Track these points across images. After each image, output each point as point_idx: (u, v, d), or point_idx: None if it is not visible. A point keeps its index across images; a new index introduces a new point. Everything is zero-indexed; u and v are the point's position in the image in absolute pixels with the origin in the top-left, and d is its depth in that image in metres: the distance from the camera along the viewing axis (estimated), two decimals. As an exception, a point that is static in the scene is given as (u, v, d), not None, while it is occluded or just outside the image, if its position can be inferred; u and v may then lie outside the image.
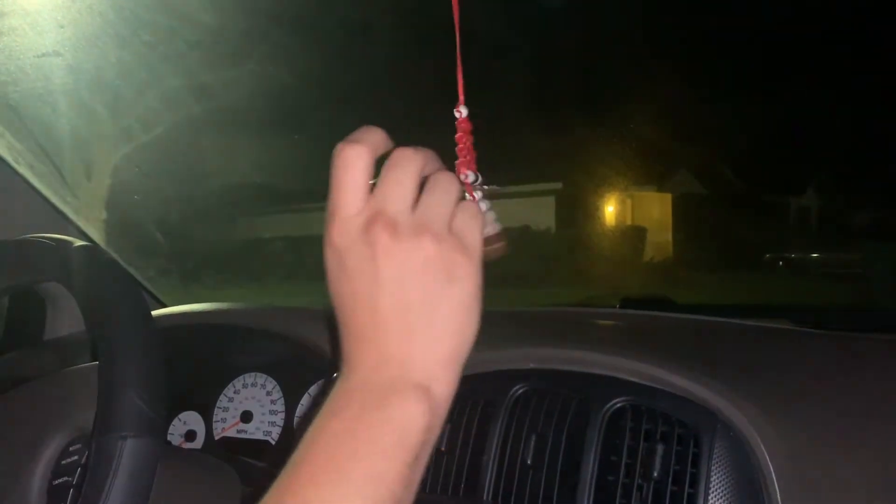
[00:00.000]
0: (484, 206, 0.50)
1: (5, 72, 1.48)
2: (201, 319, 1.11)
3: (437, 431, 0.43)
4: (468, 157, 0.50)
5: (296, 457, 0.41)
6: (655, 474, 0.63)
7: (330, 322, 0.46)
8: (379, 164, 0.45)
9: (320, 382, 0.98)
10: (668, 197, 11.14)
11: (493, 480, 0.70)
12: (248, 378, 1.05)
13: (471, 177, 0.50)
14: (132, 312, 0.68)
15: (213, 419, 1.05)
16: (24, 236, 0.76)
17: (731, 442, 0.62)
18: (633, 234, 10.08)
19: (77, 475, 0.70)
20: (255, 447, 1.01)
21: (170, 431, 1.06)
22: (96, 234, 1.31)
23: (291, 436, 0.98)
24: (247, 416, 1.03)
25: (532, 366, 0.75)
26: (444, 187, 0.45)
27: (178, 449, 1.02)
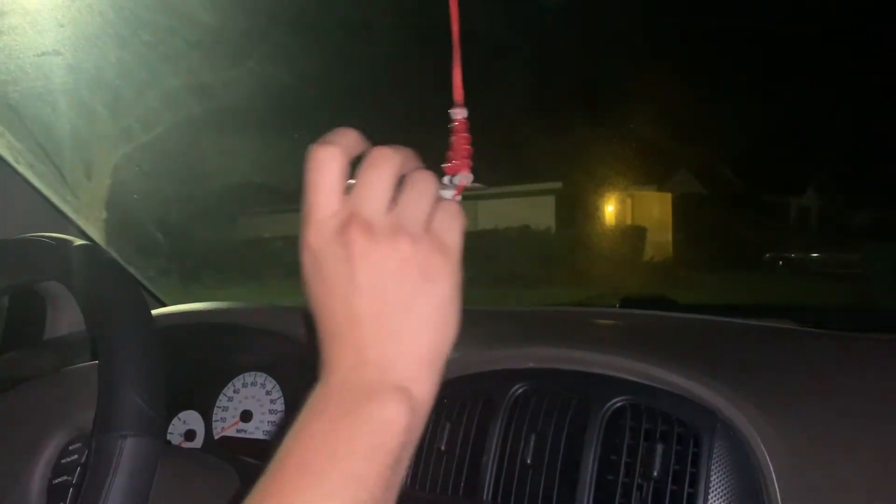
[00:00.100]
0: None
1: (5, 71, 1.48)
2: (201, 319, 1.11)
3: (418, 432, 0.43)
4: (466, 159, 0.49)
5: (276, 460, 0.41)
6: (655, 474, 0.62)
7: (308, 323, 0.46)
8: (357, 166, 0.45)
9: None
10: (668, 197, 11.14)
11: (492, 480, 0.70)
12: (248, 377, 1.05)
13: (466, 179, 0.49)
14: (132, 312, 0.68)
15: (213, 418, 1.05)
16: (24, 235, 0.76)
17: (731, 441, 0.62)
18: (633, 234, 10.08)
19: (77, 474, 0.71)
20: (255, 447, 1.01)
21: (169, 431, 1.06)
22: (96, 234, 1.31)
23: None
24: (246, 416, 1.03)
25: (532, 365, 0.75)
26: (422, 187, 0.45)
27: (178, 448, 1.02)
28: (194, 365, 1.05)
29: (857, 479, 0.60)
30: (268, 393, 1.04)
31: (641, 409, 0.66)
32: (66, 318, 1.15)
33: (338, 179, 0.43)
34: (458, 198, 0.49)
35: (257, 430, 1.02)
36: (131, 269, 1.27)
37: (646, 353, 0.72)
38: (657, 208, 11.02)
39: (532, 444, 0.69)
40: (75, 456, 0.71)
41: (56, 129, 1.59)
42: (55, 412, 0.74)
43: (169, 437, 1.05)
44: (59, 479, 0.70)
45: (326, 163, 0.43)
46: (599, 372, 0.71)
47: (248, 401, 1.04)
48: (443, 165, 0.49)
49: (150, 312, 0.70)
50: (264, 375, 1.04)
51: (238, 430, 1.04)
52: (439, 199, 0.46)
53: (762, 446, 0.62)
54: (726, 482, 0.61)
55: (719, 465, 0.61)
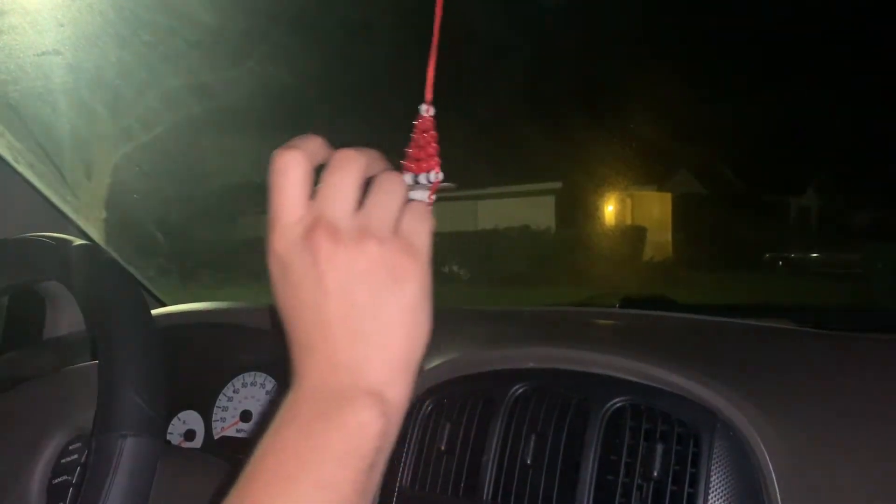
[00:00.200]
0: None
1: (5, 70, 1.48)
2: (201, 319, 1.11)
3: (392, 437, 0.43)
4: (435, 157, 0.48)
5: (249, 468, 0.41)
6: (655, 474, 0.62)
7: (278, 328, 0.45)
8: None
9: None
10: (667, 197, 11.15)
11: (492, 480, 0.70)
12: (248, 377, 1.05)
13: (438, 177, 0.48)
14: (132, 311, 0.68)
15: (213, 418, 1.05)
16: (24, 235, 0.76)
17: (731, 442, 0.62)
18: (633, 234, 10.09)
19: (77, 474, 0.71)
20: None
21: (169, 431, 1.06)
22: (96, 234, 1.31)
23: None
24: (246, 416, 1.03)
25: (532, 365, 0.75)
26: (389, 188, 0.44)
27: (178, 448, 1.02)
28: (194, 365, 1.05)
29: (857, 479, 0.60)
30: (268, 393, 1.03)
31: (641, 410, 0.66)
32: (66, 318, 1.15)
33: (302, 184, 0.43)
34: (433, 197, 0.48)
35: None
36: (131, 269, 1.27)
37: (646, 353, 0.72)
38: (657, 208, 11.03)
39: (532, 444, 0.69)
40: (75, 456, 0.71)
41: (56, 129, 1.59)
42: (55, 412, 0.74)
43: (168, 437, 1.05)
44: (59, 479, 0.70)
45: (290, 167, 0.43)
46: (599, 372, 0.71)
47: (248, 401, 1.04)
48: (402, 162, 0.48)
49: (150, 312, 0.70)
50: (264, 375, 1.04)
51: (238, 430, 1.04)
52: (407, 201, 0.45)
53: (762, 446, 0.62)
54: (726, 482, 0.61)
55: (719, 466, 0.61)
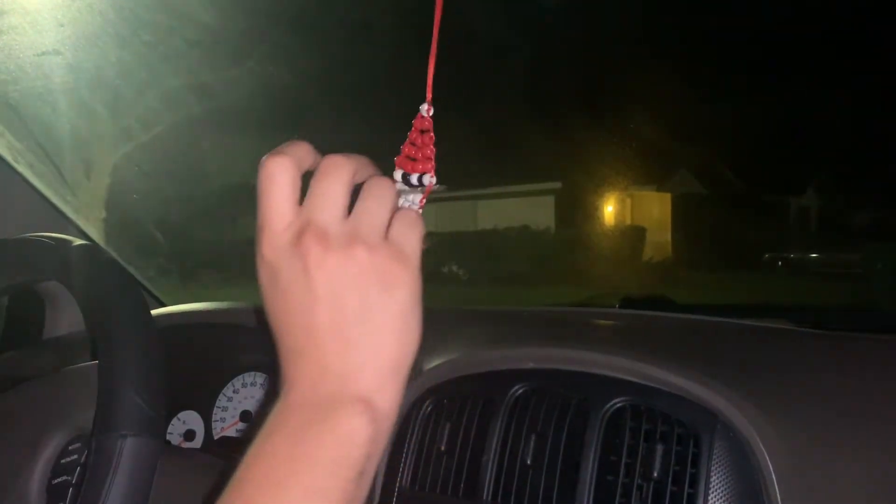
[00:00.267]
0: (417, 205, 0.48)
1: (5, 70, 1.48)
2: (201, 319, 1.11)
3: (382, 444, 0.42)
4: (430, 160, 0.48)
5: (238, 474, 0.41)
6: (655, 474, 0.62)
7: (264, 328, 0.45)
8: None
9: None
10: (667, 197, 11.15)
11: (492, 480, 0.70)
12: (248, 377, 1.05)
13: (432, 180, 0.47)
14: (132, 312, 0.68)
15: (213, 419, 1.05)
16: (23, 235, 0.76)
17: (731, 442, 0.62)
18: (633, 234, 10.09)
19: (76, 474, 0.71)
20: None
21: (169, 431, 1.06)
22: (96, 234, 1.31)
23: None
24: (246, 416, 1.03)
25: (532, 366, 0.75)
26: (378, 194, 0.44)
27: (178, 448, 1.02)
28: (194, 365, 1.05)
29: (857, 479, 0.60)
30: (268, 394, 1.03)
31: (641, 410, 0.66)
32: (66, 318, 1.15)
33: (290, 190, 0.43)
34: (424, 200, 0.48)
35: (257, 430, 1.02)
36: (131, 269, 1.27)
37: (646, 353, 0.72)
38: (657, 208, 11.03)
39: (532, 444, 0.69)
40: (75, 456, 0.71)
41: (56, 129, 1.59)
42: (55, 412, 0.74)
43: (168, 437, 1.05)
44: (59, 479, 0.70)
45: (278, 174, 0.43)
46: (599, 372, 0.71)
47: (248, 401, 1.04)
48: (396, 158, 0.48)
49: (149, 312, 0.70)
50: (264, 375, 1.04)
51: (238, 431, 1.04)
52: (397, 207, 0.45)
53: (762, 447, 0.62)
54: (726, 483, 0.61)
55: (719, 466, 0.61)
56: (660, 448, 0.63)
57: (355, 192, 0.44)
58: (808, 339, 0.85)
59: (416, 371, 0.79)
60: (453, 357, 0.79)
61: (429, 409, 0.76)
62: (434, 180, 0.47)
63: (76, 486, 0.70)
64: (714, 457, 0.62)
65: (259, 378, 1.05)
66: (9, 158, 1.17)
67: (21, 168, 1.18)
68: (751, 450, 0.62)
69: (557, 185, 10.92)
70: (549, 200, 11.15)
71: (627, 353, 0.71)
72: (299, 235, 0.42)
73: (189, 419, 1.06)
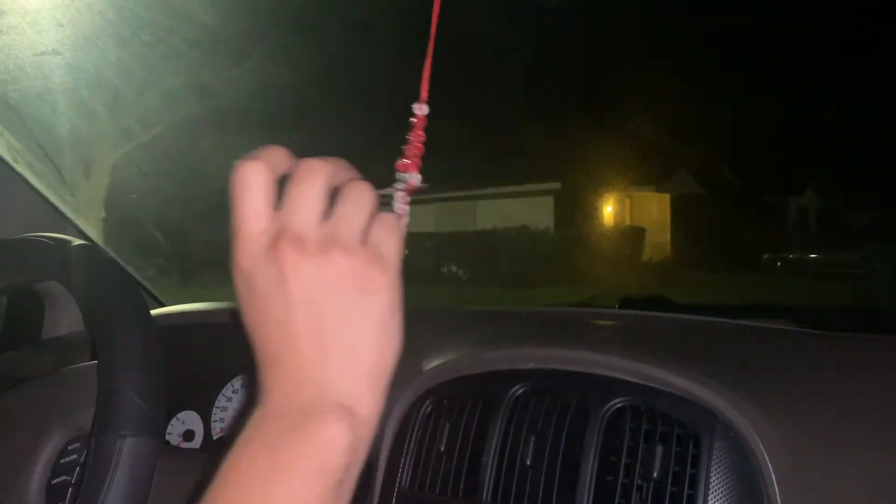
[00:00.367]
0: (405, 207, 0.48)
1: (4, 70, 1.48)
2: (200, 319, 1.11)
3: (362, 453, 0.42)
4: (417, 158, 0.47)
5: (215, 484, 0.40)
6: (655, 475, 0.62)
7: (243, 337, 0.45)
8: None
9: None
10: (666, 197, 11.16)
11: (492, 480, 0.70)
12: (248, 378, 1.05)
13: (415, 179, 0.47)
14: (131, 312, 0.68)
15: (212, 419, 1.05)
16: (23, 235, 0.76)
17: (731, 442, 0.62)
18: (632, 235, 10.10)
19: (76, 474, 0.71)
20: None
21: (168, 431, 1.05)
22: (95, 234, 1.31)
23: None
24: (246, 416, 1.03)
25: (532, 366, 0.75)
26: (356, 198, 0.43)
27: (177, 449, 1.02)
28: (193, 365, 1.05)
29: (857, 479, 0.60)
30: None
31: (641, 410, 0.66)
32: (66, 318, 1.15)
33: (264, 195, 0.42)
34: (408, 198, 0.47)
35: (257, 430, 1.02)
36: (131, 269, 1.27)
37: (645, 353, 0.72)
38: (656, 209, 11.04)
39: (532, 444, 0.69)
40: (74, 456, 0.71)
41: (55, 129, 1.59)
42: (54, 412, 0.74)
43: (168, 437, 1.05)
44: (58, 479, 0.70)
45: (252, 178, 0.42)
46: (599, 373, 0.71)
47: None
48: (402, 162, 0.48)
49: (149, 312, 0.70)
50: (264, 375, 1.04)
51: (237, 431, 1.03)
52: (376, 211, 0.44)
53: (762, 447, 0.62)
54: (726, 483, 0.61)
55: (719, 466, 0.61)
56: (659, 448, 0.63)
57: (334, 198, 0.43)
58: (808, 339, 0.85)
59: (416, 371, 0.79)
60: (453, 357, 0.79)
61: (428, 409, 0.76)
62: (418, 179, 0.47)
63: (76, 486, 0.70)
64: (714, 457, 0.61)
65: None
66: (8, 158, 1.16)
67: (20, 168, 1.18)
68: (751, 450, 0.62)
69: (557, 185, 10.93)
70: (549, 201, 11.15)
71: (627, 354, 0.71)
72: (275, 241, 0.41)
73: (188, 419, 1.06)
